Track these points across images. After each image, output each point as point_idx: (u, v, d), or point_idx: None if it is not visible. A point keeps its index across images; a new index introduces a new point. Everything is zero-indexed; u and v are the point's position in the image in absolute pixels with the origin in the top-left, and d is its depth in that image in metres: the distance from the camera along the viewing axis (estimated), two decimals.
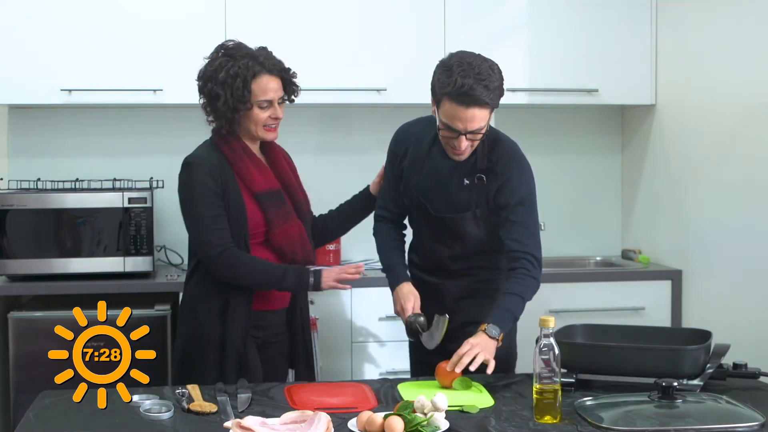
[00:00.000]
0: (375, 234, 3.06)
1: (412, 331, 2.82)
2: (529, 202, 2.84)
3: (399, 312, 2.88)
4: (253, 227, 2.86)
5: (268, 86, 2.86)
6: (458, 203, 2.85)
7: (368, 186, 3.16)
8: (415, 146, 2.91)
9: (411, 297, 2.85)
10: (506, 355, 2.87)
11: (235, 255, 2.80)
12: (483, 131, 2.72)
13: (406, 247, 3.06)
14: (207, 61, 2.91)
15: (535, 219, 2.85)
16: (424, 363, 2.83)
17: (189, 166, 2.87)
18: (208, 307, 2.88)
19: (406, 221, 3.07)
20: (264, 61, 2.86)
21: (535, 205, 2.86)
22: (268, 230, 2.87)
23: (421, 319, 2.81)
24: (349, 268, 2.89)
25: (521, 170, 2.85)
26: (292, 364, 3.07)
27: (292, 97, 2.97)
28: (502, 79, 2.72)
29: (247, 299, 2.87)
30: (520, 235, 2.79)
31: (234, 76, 2.82)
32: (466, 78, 2.64)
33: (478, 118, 2.68)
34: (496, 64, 2.72)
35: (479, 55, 2.72)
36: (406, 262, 3.01)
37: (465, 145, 2.73)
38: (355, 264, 2.98)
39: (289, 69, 2.94)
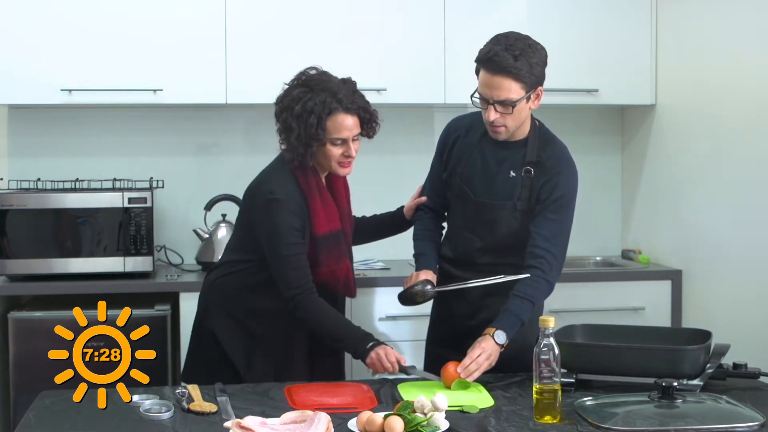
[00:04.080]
0: (414, 222, 3.07)
1: (413, 294, 2.78)
2: (568, 203, 2.83)
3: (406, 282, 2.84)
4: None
5: (344, 124, 2.76)
6: (500, 192, 2.84)
7: (402, 207, 3.13)
8: (465, 136, 2.91)
9: (430, 274, 2.84)
10: (519, 351, 2.78)
11: (310, 301, 2.77)
12: (513, 104, 2.70)
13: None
14: (287, 86, 2.81)
15: (569, 222, 2.84)
16: (436, 356, 2.82)
17: (276, 203, 2.77)
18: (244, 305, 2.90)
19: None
20: (342, 98, 2.74)
21: (572, 209, 2.85)
22: (316, 269, 2.83)
23: (429, 287, 2.79)
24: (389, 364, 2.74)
25: (570, 172, 2.85)
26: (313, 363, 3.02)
27: (371, 134, 2.86)
28: (543, 60, 2.74)
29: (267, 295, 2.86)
30: (549, 232, 2.78)
31: (309, 112, 2.72)
32: (495, 46, 2.69)
33: (504, 87, 2.68)
34: (541, 47, 2.75)
35: (527, 36, 2.75)
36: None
37: (494, 116, 2.72)
38: (400, 361, 2.75)
39: (368, 107, 2.82)
